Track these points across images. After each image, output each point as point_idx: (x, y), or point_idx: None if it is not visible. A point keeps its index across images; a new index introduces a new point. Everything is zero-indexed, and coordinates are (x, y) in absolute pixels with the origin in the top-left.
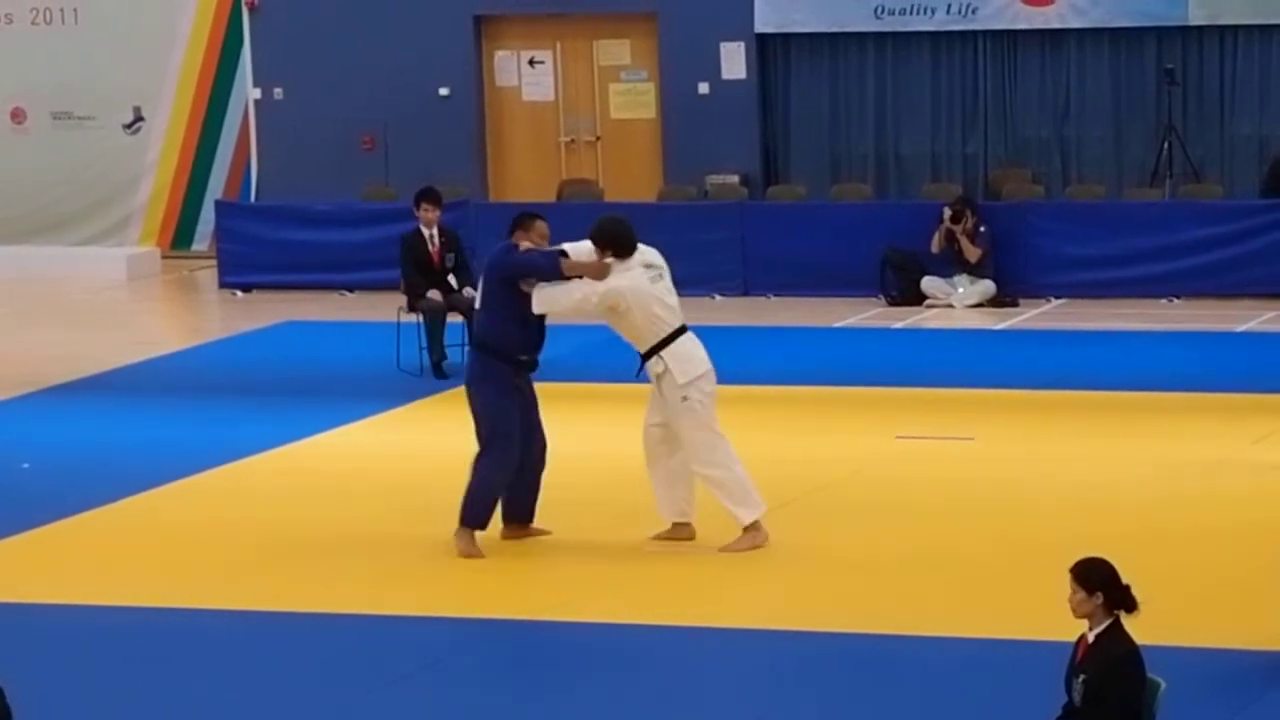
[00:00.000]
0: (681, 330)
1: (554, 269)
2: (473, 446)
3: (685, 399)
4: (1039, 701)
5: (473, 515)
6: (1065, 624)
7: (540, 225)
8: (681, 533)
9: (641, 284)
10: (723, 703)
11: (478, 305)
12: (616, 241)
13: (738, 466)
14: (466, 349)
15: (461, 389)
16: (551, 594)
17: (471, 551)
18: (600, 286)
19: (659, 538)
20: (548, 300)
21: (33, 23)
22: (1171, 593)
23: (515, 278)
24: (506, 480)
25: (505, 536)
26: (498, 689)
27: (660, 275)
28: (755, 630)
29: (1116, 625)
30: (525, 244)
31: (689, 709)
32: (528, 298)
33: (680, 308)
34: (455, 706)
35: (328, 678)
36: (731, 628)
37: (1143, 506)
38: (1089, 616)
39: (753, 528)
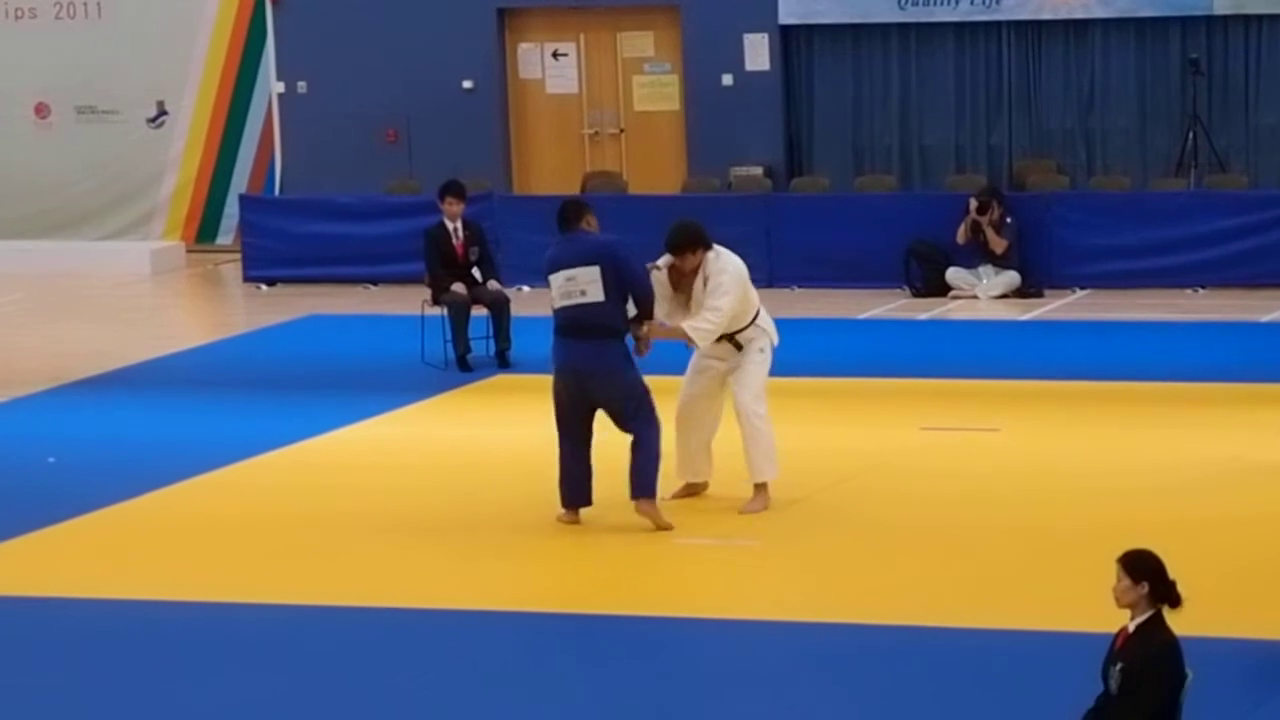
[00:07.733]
0: None
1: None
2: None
3: (762, 350)
4: (1069, 692)
5: (654, 486)
6: (1093, 614)
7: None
8: (697, 489)
9: (737, 262)
10: (750, 695)
11: (600, 296)
12: (703, 237)
13: None
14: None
15: (484, 384)
16: (581, 585)
17: (664, 522)
18: (731, 301)
19: (677, 496)
20: (712, 334)
21: (56, 17)
22: (1197, 583)
23: (627, 284)
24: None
25: (565, 520)
26: (521, 681)
27: None
28: (781, 622)
29: (1158, 618)
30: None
31: (717, 701)
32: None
33: None
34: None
35: (357, 669)
36: (758, 619)
37: (1168, 496)
38: (1132, 606)
39: (764, 488)
